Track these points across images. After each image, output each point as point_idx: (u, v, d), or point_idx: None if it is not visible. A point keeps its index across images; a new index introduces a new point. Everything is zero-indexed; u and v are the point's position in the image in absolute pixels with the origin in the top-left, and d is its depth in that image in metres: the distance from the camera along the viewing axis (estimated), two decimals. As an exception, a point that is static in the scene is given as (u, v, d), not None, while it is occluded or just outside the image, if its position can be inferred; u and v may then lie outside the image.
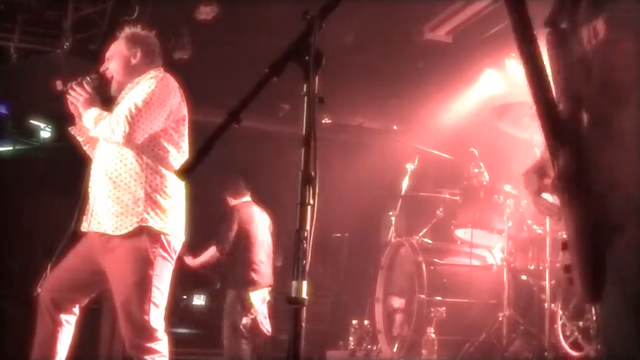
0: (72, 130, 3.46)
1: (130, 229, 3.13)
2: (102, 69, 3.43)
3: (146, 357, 3.07)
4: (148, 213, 3.15)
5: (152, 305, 3.10)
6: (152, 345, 3.09)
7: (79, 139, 3.47)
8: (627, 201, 1.44)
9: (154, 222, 3.15)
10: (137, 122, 3.14)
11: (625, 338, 1.44)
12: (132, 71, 3.39)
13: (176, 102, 3.31)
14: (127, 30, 3.46)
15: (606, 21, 1.47)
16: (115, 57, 3.41)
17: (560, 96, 1.58)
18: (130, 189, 3.17)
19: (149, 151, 3.23)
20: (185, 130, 3.40)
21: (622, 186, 1.45)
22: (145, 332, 3.09)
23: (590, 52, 1.50)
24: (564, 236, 1.68)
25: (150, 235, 3.14)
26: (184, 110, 3.39)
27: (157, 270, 3.13)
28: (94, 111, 3.26)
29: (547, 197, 1.75)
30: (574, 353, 4.21)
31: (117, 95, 3.41)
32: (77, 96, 3.28)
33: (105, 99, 3.41)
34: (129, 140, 3.16)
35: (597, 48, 1.49)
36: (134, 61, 3.40)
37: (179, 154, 3.32)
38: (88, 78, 3.33)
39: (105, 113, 3.26)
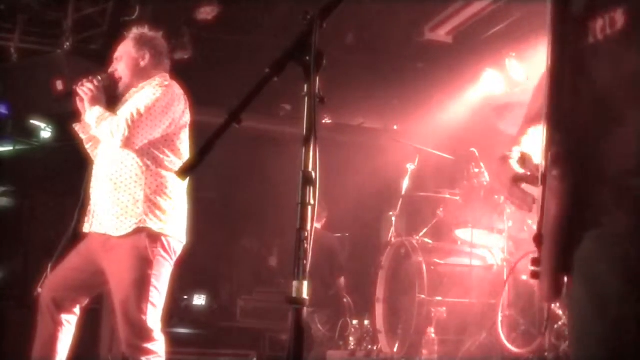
0: (77, 127, 3.46)
1: (129, 230, 3.13)
2: (110, 69, 3.43)
3: (142, 357, 3.07)
4: (147, 215, 3.15)
5: (149, 305, 3.10)
6: (149, 345, 3.09)
7: (82, 136, 3.48)
8: (612, 195, 1.43)
9: (153, 223, 3.15)
10: (137, 127, 3.15)
11: (592, 338, 1.43)
12: (140, 73, 3.39)
13: (180, 110, 3.31)
14: (136, 32, 3.46)
15: (626, 12, 1.45)
16: (124, 58, 3.41)
17: (562, 83, 1.56)
18: (130, 191, 3.18)
19: (150, 154, 3.23)
20: (186, 135, 3.40)
21: (612, 179, 1.44)
22: (142, 333, 3.09)
23: (603, 41, 1.49)
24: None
25: (150, 236, 3.14)
26: (187, 118, 3.39)
27: (156, 269, 3.14)
28: (98, 110, 3.26)
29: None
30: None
31: (122, 97, 3.42)
32: (86, 91, 3.28)
33: (110, 99, 3.41)
34: (127, 144, 3.16)
35: (611, 38, 1.47)
36: (142, 63, 3.40)
37: (179, 158, 3.33)
38: (99, 77, 3.34)
39: (107, 114, 3.26)
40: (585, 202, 1.47)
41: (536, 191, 1.58)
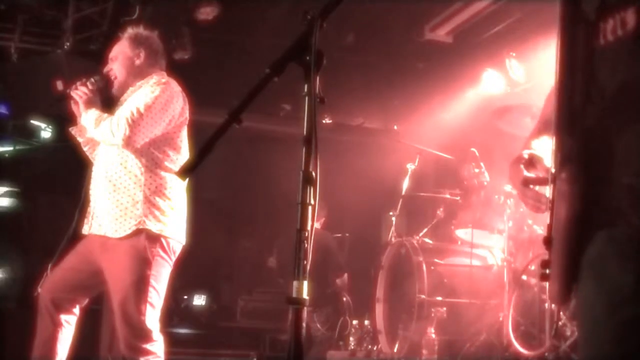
0: (73, 130, 3.46)
1: (129, 231, 3.13)
2: (105, 70, 3.43)
3: (141, 358, 3.06)
4: (147, 215, 3.14)
5: (148, 306, 3.09)
6: (147, 346, 3.09)
7: (79, 139, 3.47)
8: (623, 195, 1.42)
9: (153, 224, 3.15)
10: (138, 125, 3.14)
11: (603, 339, 1.42)
12: (136, 72, 3.39)
13: (179, 107, 3.31)
14: (130, 31, 3.46)
15: (637, 11, 1.42)
16: (119, 58, 3.41)
17: (572, 85, 1.54)
18: (129, 192, 3.17)
19: (149, 154, 3.22)
20: (185, 133, 3.40)
21: (623, 179, 1.43)
22: (140, 333, 3.08)
23: (614, 42, 1.46)
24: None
25: (149, 237, 3.14)
26: (186, 115, 3.38)
27: (155, 270, 3.13)
28: (95, 112, 3.26)
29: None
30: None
31: (119, 97, 3.42)
32: (81, 94, 3.28)
33: (107, 100, 3.41)
34: (128, 143, 3.15)
35: (622, 39, 1.45)
36: (137, 62, 3.40)
37: (179, 157, 3.32)
38: (92, 79, 3.34)
39: (105, 115, 3.26)
40: (595, 203, 1.46)
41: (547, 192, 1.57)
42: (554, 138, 1.53)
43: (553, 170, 1.52)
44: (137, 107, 3.17)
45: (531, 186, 1.67)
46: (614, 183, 1.44)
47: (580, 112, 1.51)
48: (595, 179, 1.46)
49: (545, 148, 1.70)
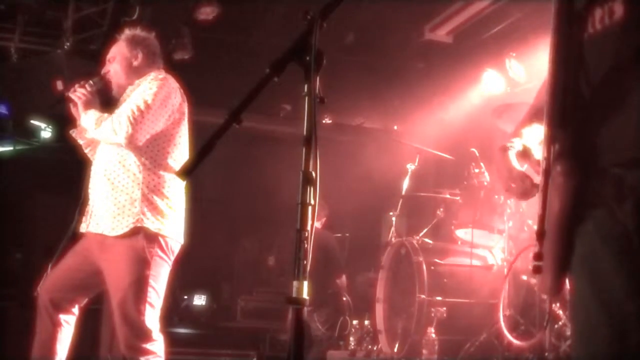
0: (73, 132, 3.46)
1: (126, 229, 3.12)
2: (103, 71, 3.43)
3: (141, 358, 3.06)
4: (144, 214, 3.14)
5: (147, 306, 3.09)
6: (147, 346, 3.09)
7: (80, 142, 3.47)
8: (614, 190, 1.42)
9: (150, 223, 3.14)
10: (140, 122, 3.14)
11: (597, 336, 1.42)
12: (134, 73, 3.40)
13: (177, 102, 3.31)
14: (128, 32, 3.48)
15: (625, 1, 1.45)
16: (117, 58, 3.41)
17: (564, 77, 1.55)
18: (127, 190, 3.17)
19: (148, 152, 3.22)
20: (185, 130, 3.40)
21: (612, 172, 1.43)
22: (140, 333, 3.08)
23: (601, 31, 1.49)
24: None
25: (147, 236, 3.13)
26: (184, 111, 3.39)
27: (154, 270, 3.13)
28: (95, 113, 3.27)
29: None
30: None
31: (118, 97, 3.42)
32: (80, 95, 3.29)
33: (105, 101, 3.42)
34: (130, 141, 3.15)
35: (609, 28, 1.47)
36: (135, 62, 3.40)
37: (179, 154, 3.32)
38: (91, 81, 3.34)
39: (106, 115, 3.26)
40: (587, 198, 1.46)
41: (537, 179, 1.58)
42: (545, 132, 1.53)
43: (544, 163, 1.53)
44: (137, 104, 3.17)
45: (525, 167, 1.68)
46: (603, 174, 1.44)
47: (572, 104, 1.52)
48: (588, 172, 1.47)
49: (535, 136, 1.71)
